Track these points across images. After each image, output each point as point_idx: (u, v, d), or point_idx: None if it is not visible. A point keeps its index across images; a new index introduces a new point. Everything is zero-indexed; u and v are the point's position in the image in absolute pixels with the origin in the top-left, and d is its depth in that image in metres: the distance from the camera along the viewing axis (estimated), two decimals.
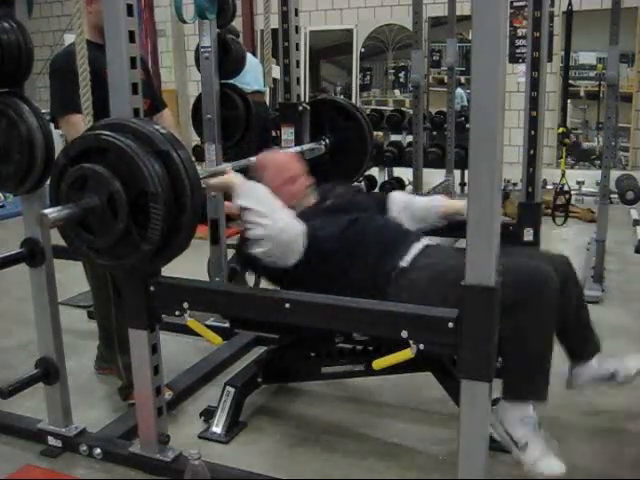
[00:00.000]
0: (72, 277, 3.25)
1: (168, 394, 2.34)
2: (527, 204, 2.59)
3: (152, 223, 1.59)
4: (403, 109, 6.90)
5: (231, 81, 2.96)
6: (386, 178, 6.60)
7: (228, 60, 2.91)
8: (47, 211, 1.59)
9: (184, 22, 2.75)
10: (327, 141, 2.71)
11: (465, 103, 6.82)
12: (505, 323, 1.77)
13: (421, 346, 1.54)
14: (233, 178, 2.01)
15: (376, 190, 6.57)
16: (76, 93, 1.96)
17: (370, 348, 2.18)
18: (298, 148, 2.56)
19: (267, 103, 6.31)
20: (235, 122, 2.90)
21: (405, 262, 1.99)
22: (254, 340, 2.92)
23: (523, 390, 1.87)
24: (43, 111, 1.96)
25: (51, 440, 2.17)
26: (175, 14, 2.74)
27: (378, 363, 1.66)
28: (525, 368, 1.86)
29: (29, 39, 1.89)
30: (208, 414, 2.33)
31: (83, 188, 1.63)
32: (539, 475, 1.79)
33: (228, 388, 2.30)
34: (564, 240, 4.83)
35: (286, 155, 2.37)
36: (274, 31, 2.72)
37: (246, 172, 2.17)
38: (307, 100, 2.81)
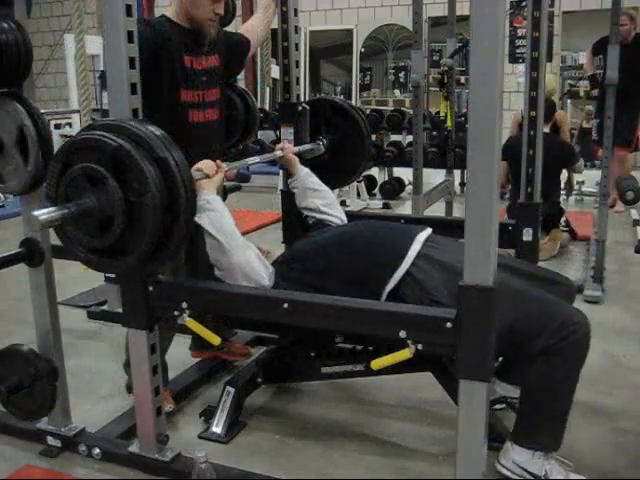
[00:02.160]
0: (72, 277, 3.26)
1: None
2: (526, 204, 2.59)
3: (150, 222, 1.59)
4: (403, 109, 6.91)
5: None
6: (386, 178, 6.62)
7: None
8: (38, 212, 1.57)
9: None
10: (325, 141, 2.70)
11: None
12: (531, 369, 1.78)
13: (419, 346, 1.54)
14: (210, 187, 1.98)
15: (376, 190, 6.60)
16: None
17: (370, 348, 2.18)
18: (296, 149, 2.56)
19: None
20: (235, 122, 2.90)
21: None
22: (254, 340, 2.92)
23: (539, 442, 1.87)
24: (42, 111, 1.96)
25: (50, 440, 2.17)
26: None
27: (377, 363, 1.66)
28: (544, 421, 1.85)
29: (28, 39, 1.88)
30: (208, 414, 2.33)
31: (78, 188, 1.62)
32: None
33: (228, 388, 2.30)
34: None
35: None
36: (274, 31, 2.72)
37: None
38: (307, 100, 2.81)
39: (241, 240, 1.99)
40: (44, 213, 1.58)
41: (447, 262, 1.93)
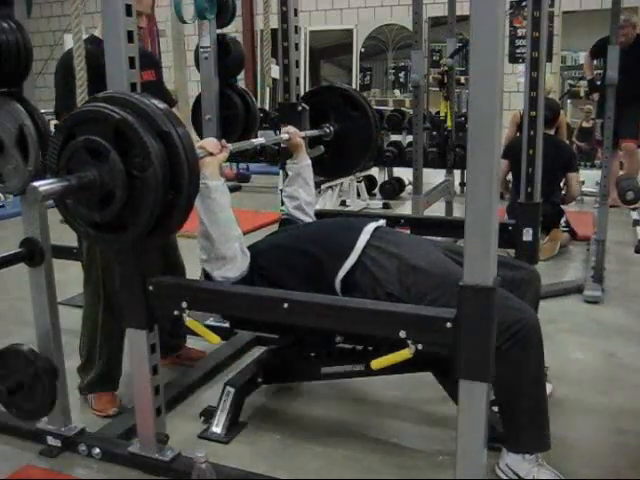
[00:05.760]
0: (72, 277, 3.25)
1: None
2: (527, 204, 2.59)
3: (152, 197, 1.57)
4: (403, 109, 6.90)
5: None
6: (386, 178, 6.61)
7: (228, 60, 2.91)
8: (38, 183, 1.53)
9: (184, 22, 2.76)
10: (332, 128, 2.69)
11: None
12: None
13: (419, 346, 1.54)
14: (213, 164, 1.94)
15: (376, 190, 6.59)
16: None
17: (370, 348, 2.18)
18: (303, 133, 2.54)
19: None
20: (235, 122, 2.90)
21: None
22: (254, 340, 2.92)
23: (525, 444, 1.88)
24: (42, 111, 1.96)
25: (50, 440, 2.17)
26: (175, 14, 2.75)
27: (376, 363, 1.66)
28: (519, 422, 1.85)
29: (28, 39, 1.88)
30: (208, 414, 2.33)
31: (80, 161, 1.59)
32: None
33: (228, 388, 2.30)
34: None
35: None
36: (274, 31, 2.72)
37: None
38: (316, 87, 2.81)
39: (232, 233, 1.97)
40: (44, 184, 1.54)
41: (398, 253, 1.96)
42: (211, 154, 1.94)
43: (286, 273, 2.01)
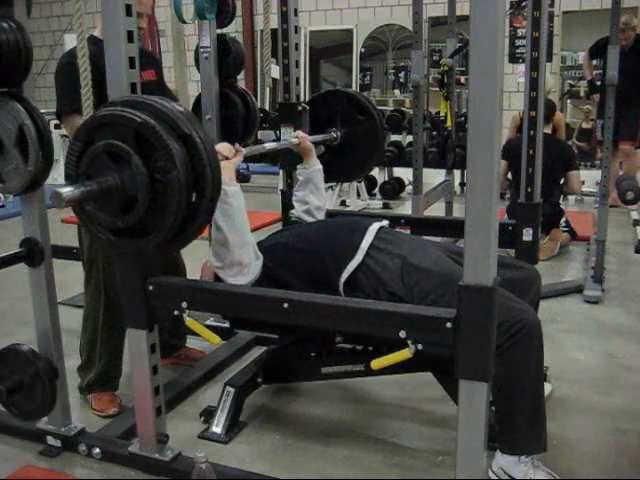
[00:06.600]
0: (72, 277, 3.26)
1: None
2: (526, 204, 2.59)
3: (175, 200, 1.55)
4: (403, 109, 6.90)
5: None
6: (386, 178, 6.61)
7: (228, 60, 2.91)
8: (61, 189, 1.52)
9: (184, 22, 2.76)
10: (338, 133, 2.70)
11: None
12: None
13: (419, 346, 1.54)
14: (230, 168, 1.94)
15: (376, 190, 6.59)
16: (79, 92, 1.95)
17: (370, 348, 2.18)
18: (311, 138, 2.55)
19: None
20: (235, 122, 2.90)
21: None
22: (254, 340, 2.92)
23: (521, 445, 1.86)
24: (42, 111, 1.96)
25: (50, 440, 2.17)
26: (175, 14, 2.75)
27: (376, 363, 1.66)
28: (515, 424, 1.84)
29: (28, 39, 1.88)
30: (208, 414, 2.33)
31: (100, 167, 1.58)
32: None
33: (228, 388, 2.31)
34: None
35: None
36: (274, 31, 2.72)
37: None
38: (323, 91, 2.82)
39: (248, 238, 1.98)
40: (67, 190, 1.53)
41: (401, 253, 1.96)
42: (226, 158, 1.94)
43: (290, 273, 2.01)
